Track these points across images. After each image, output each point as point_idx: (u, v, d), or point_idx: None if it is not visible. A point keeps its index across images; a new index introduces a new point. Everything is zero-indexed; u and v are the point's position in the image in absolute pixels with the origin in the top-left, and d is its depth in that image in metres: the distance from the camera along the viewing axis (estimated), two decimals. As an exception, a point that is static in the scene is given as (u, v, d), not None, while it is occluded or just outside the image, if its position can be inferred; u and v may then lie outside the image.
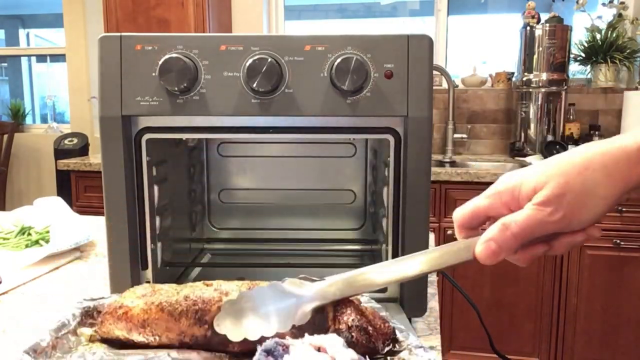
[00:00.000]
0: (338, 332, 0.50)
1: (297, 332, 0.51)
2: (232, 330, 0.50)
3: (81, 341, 0.58)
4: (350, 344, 0.49)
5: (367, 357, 0.47)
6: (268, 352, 0.46)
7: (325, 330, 0.51)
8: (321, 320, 0.51)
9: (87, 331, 0.59)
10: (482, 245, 0.45)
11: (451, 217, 0.50)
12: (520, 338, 2.28)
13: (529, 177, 0.45)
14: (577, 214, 0.44)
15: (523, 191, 0.45)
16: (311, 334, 0.49)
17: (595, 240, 2.14)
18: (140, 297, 0.56)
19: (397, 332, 0.54)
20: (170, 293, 0.56)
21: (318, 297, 0.50)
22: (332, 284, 0.51)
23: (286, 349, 0.46)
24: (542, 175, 0.44)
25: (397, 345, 0.53)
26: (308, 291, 0.51)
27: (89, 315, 0.61)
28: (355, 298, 0.55)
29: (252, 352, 0.47)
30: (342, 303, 0.52)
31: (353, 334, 0.50)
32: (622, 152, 0.43)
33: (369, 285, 0.52)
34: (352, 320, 0.51)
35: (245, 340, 0.50)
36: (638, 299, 2.16)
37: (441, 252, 0.49)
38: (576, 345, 2.23)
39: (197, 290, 0.55)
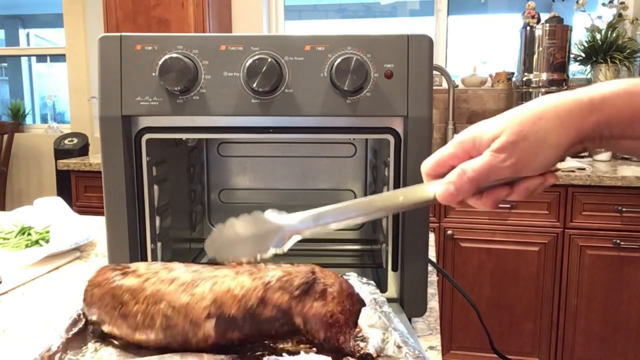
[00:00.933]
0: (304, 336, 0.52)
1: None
2: (220, 252, 0.55)
3: (91, 340, 0.57)
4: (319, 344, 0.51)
5: None
6: None
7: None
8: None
9: None
10: (441, 187, 0.50)
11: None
12: (520, 338, 2.28)
13: (488, 127, 0.48)
14: (529, 160, 0.47)
15: (483, 140, 0.48)
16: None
17: (595, 240, 2.14)
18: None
19: (396, 335, 0.55)
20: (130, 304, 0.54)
21: (295, 227, 0.56)
22: (307, 216, 0.56)
23: None
24: (500, 125, 0.47)
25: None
26: (286, 220, 0.56)
27: None
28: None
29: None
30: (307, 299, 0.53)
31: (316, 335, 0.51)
32: (575, 103, 0.46)
33: (341, 216, 0.56)
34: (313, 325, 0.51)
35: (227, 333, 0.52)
36: (638, 299, 2.16)
37: (407, 191, 0.54)
38: (576, 345, 2.23)
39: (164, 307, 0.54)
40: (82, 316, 0.58)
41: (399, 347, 0.53)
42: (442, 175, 0.51)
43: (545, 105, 0.47)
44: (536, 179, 0.49)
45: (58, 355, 0.52)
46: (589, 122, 0.46)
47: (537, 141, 0.46)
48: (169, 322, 0.52)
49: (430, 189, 0.51)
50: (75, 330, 0.56)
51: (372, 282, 0.68)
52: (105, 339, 0.58)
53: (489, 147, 0.47)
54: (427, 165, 0.52)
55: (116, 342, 0.57)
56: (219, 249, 0.55)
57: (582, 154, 2.57)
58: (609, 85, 0.46)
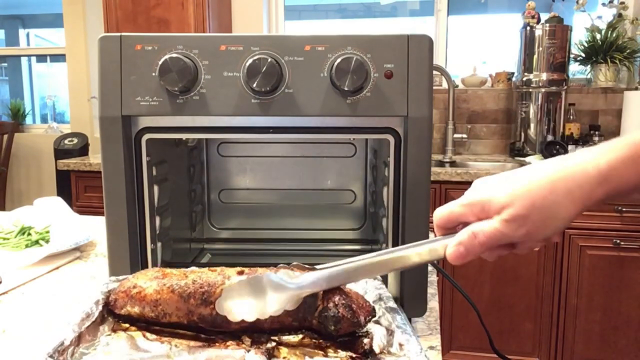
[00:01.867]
0: (326, 309, 0.57)
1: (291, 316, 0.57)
2: (231, 312, 0.57)
3: (105, 330, 0.60)
4: (336, 319, 0.56)
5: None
6: None
7: (315, 309, 0.58)
8: (312, 300, 0.58)
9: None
10: (452, 248, 0.52)
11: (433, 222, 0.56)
12: (520, 338, 2.28)
13: (499, 194, 0.50)
14: (539, 231, 0.49)
15: (492, 207, 0.50)
16: (303, 314, 0.57)
17: (595, 241, 2.14)
18: (153, 279, 0.61)
19: (398, 332, 0.56)
20: (179, 277, 0.61)
21: (309, 287, 0.57)
22: (321, 277, 0.58)
23: None
24: (511, 194, 0.49)
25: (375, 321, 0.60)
26: (300, 281, 0.57)
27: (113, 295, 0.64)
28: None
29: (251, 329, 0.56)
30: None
31: (339, 309, 0.57)
32: (583, 176, 0.48)
33: (356, 276, 0.59)
34: (338, 299, 0.58)
35: (242, 321, 0.57)
36: (638, 299, 2.16)
37: (424, 249, 0.55)
38: (576, 345, 2.23)
39: (203, 275, 0.61)
40: (96, 309, 0.60)
41: (401, 345, 0.54)
42: (451, 229, 0.54)
43: (554, 177, 0.48)
44: (540, 242, 0.52)
45: (71, 349, 0.53)
46: (598, 194, 0.48)
47: (548, 216, 0.48)
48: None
49: (441, 248, 0.54)
50: (87, 324, 0.57)
51: (378, 276, 0.70)
52: (116, 331, 0.60)
53: (499, 214, 0.49)
54: (438, 217, 0.54)
55: (130, 333, 0.60)
56: (230, 310, 0.57)
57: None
58: (614, 152, 0.48)
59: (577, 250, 2.17)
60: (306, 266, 0.60)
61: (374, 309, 0.61)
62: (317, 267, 0.59)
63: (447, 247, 0.52)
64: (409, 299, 0.72)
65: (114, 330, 0.60)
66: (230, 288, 0.58)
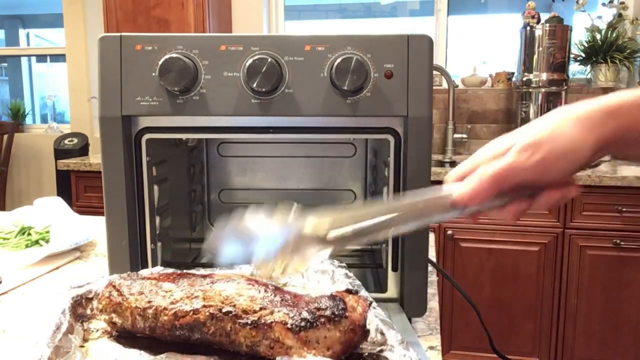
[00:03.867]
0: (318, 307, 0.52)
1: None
2: (220, 253, 0.53)
3: (77, 343, 0.57)
4: (334, 314, 0.51)
5: None
6: None
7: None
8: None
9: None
10: (461, 189, 0.49)
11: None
12: (520, 338, 2.28)
13: (509, 137, 0.49)
14: (553, 162, 0.47)
15: (503, 146, 0.49)
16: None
17: (595, 240, 2.14)
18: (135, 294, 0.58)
19: (379, 325, 0.56)
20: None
21: (337, 242, 0.52)
22: (346, 231, 0.52)
23: None
24: (520, 131, 0.49)
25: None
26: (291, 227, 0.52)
27: (79, 305, 0.62)
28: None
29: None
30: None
31: (332, 303, 0.52)
32: (593, 109, 0.47)
33: (379, 231, 0.53)
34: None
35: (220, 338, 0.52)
36: (638, 299, 2.16)
37: (425, 202, 0.51)
38: (576, 345, 2.23)
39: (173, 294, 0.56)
40: (64, 319, 0.58)
41: (382, 332, 0.54)
42: None
43: (563, 112, 0.48)
44: (558, 190, 0.49)
45: None
46: (609, 127, 0.46)
47: (562, 142, 0.46)
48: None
49: (453, 190, 0.50)
50: (59, 336, 0.55)
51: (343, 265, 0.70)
52: (88, 340, 0.59)
53: (510, 149, 0.48)
54: (453, 175, 0.52)
55: (103, 341, 0.58)
56: (223, 251, 0.53)
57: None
58: (623, 94, 0.47)
59: (577, 250, 2.17)
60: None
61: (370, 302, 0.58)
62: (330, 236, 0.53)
63: (456, 189, 0.49)
64: (409, 299, 0.72)
65: (85, 340, 0.59)
66: (216, 231, 0.54)
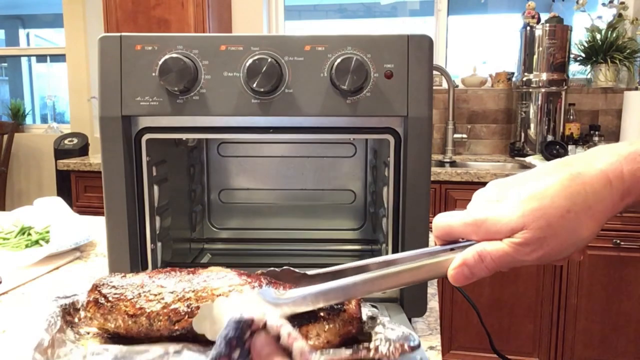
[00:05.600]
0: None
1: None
2: (207, 331, 0.51)
3: (71, 339, 0.57)
4: (331, 308, 0.51)
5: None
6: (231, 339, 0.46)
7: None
8: None
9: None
10: (455, 270, 0.46)
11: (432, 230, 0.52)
12: (520, 338, 2.28)
13: (507, 213, 0.43)
14: (556, 253, 0.43)
15: (500, 229, 0.44)
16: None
17: (595, 241, 2.14)
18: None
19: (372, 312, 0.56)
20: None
21: (294, 305, 0.50)
22: (307, 295, 0.50)
23: (250, 323, 0.45)
24: (522, 214, 0.43)
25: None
26: (285, 298, 0.50)
27: (67, 313, 0.60)
28: None
29: None
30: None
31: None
32: (605, 186, 0.42)
33: (339, 298, 0.51)
34: None
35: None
36: (638, 299, 2.16)
37: (418, 266, 0.49)
38: (576, 345, 2.23)
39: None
40: (57, 319, 0.57)
41: (372, 318, 0.55)
42: (451, 242, 0.49)
43: (571, 190, 0.42)
44: (561, 260, 0.46)
45: (50, 350, 0.52)
46: (619, 208, 0.43)
47: (568, 236, 0.42)
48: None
49: (445, 265, 0.47)
50: (54, 330, 0.55)
51: None
52: (80, 340, 0.58)
53: (510, 237, 0.43)
54: (438, 229, 0.49)
55: (97, 339, 0.58)
56: (208, 327, 0.50)
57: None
58: (635, 155, 0.42)
59: (577, 250, 2.17)
60: (296, 271, 0.54)
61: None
62: (309, 272, 0.53)
63: (450, 266, 0.46)
64: (409, 299, 0.72)
65: (78, 341, 0.58)
66: (206, 306, 0.52)
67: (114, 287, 0.57)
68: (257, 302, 0.49)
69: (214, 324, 0.50)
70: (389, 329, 0.53)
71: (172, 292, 0.55)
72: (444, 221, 0.48)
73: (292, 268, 0.54)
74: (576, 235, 0.43)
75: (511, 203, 0.44)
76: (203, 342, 0.54)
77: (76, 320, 0.60)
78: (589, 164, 0.43)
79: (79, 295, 0.62)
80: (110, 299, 0.56)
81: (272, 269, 0.55)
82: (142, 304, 0.55)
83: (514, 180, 0.46)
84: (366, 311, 0.56)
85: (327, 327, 0.51)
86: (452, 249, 0.48)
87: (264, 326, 0.45)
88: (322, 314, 0.51)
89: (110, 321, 0.56)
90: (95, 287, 0.58)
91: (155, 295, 0.55)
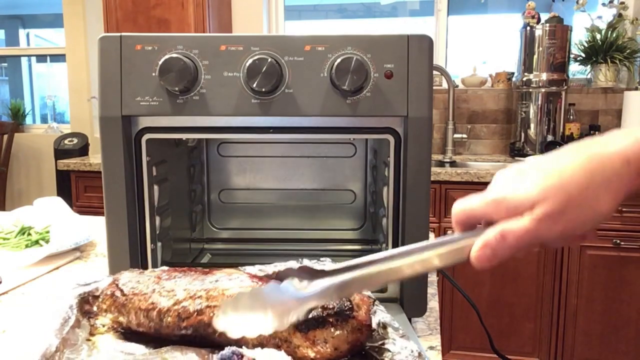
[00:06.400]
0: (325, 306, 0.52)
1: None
2: (230, 329, 0.51)
3: (84, 336, 0.58)
4: (340, 314, 0.51)
5: None
6: None
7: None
8: None
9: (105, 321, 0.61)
10: (478, 252, 0.46)
11: (451, 217, 0.50)
12: (520, 338, 2.28)
13: (528, 188, 0.44)
14: (575, 228, 0.44)
15: (522, 204, 0.44)
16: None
17: (595, 241, 2.14)
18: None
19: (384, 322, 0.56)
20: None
21: (315, 298, 0.50)
22: (330, 287, 0.50)
23: (241, 358, 0.47)
24: (543, 188, 0.43)
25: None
26: (306, 293, 0.51)
27: (86, 302, 0.62)
28: None
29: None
30: None
31: (338, 302, 0.52)
32: (622, 164, 0.43)
33: (365, 287, 0.52)
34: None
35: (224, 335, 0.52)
36: (638, 299, 2.16)
37: (440, 252, 0.49)
38: (576, 345, 2.23)
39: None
40: (72, 314, 0.58)
41: (384, 327, 0.54)
42: (472, 226, 0.48)
43: (591, 166, 0.43)
44: (577, 239, 0.47)
45: (57, 355, 0.52)
46: (637, 184, 0.43)
47: (587, 211, 0.43)
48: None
49: (465, 249, 0.47)
50: (67, 329, 0.56)
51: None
52: (94, 335, 0.59)
53: (531, 212, 0.44)
54: (458, 214, 0.48)
55: (109, 336, 0.59)
56: (228, 325, 0.51)
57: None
58: None
59: (577, 250, 2.17)
60: (315, 268, 0.53)
61: (374, 300, 0.58)
62: (326, 268, 0.53)
63: (472, 249, 0.46)
64: (409, 299, 0.72)
65: (91, 334, 0.59)
66: (227, 303, 0.53)
67: (131, 281, 0.59)
68: (280, 297, 0.50)
69: (233, 321, 0.51)
70: (397, 352, 0.51)
71: (184, 290, 0.56)
72: (463, 204, 0.48)
73: (309, 266, 0.54)
74: (594, 210, 0.43)
75: (531, 180, 0.44)
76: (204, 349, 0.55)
77: (95, 308, 0.62)
78: (606, 145, 0.44)
79: (100, 282, 0.63)
80: (126, 292, 0.58)
81: (289, 267, 0.55)
82: (155, 299, 0.56)
83: (533, 162, 0.46)
84: (379, 318, 0.55)
85: (335, 333, 0.51)
86: (471, 235, 0.48)
87: None
88: (330, 319, 0.51)
89: (123, 314, 0.58)
90: (114, 281, 0.60)
91: (169, 291, 0.57)
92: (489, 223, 0.46)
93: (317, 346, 0.50)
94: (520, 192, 0.44)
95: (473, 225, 0.48)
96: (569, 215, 0.43)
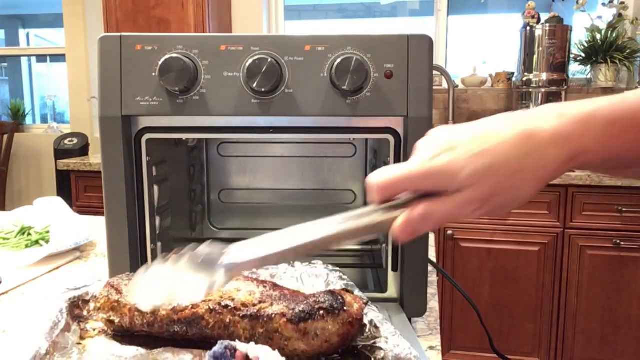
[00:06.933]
0: (317, 300, 0.52)
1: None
2: (140, 300, 0.49)
3: (74, 340, 0.58)
4: (332, 307, 0.51)
5: None
6: (217, 357, 0.47)
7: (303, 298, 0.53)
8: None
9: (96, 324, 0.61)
10: (400, 227, 0.45)
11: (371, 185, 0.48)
12: (520, 338, 2.28)
13: (459, 167, 0.42)
14: (497, 209, 0.44)
15: (451, 182, 0.43)
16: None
17: (595, 240, 2.14)
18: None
19: (375, 321, 0.56)
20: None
21: (240, 267, 0.48)
22: (257, 255, 0.49)
23: (234, 352, 0.47)
24: (471, 173, 0.42)
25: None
26: (230, 259, 0.48)
27: (76, 306, 0.62)
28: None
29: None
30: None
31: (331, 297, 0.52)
32: (554, 154, 0.42)
33: (286, 259, 0.52)
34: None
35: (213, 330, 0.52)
36: (638, 299, 2.16)
37: (371, 222, 0.47)
38: (576, 345, 2.23)
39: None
40: (62, 317, 0.58)
41: (376, 326, 0.54)
42: (393, 196, 0.46)
43: (523, 150, 0.42)
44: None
45: (48, 357, 0.52)
46: (563, 170, 0.43)
47: (512, 195, 0.43)
48: None
49: (388, 221, 0.46)
50: (57, 332, 0.56)
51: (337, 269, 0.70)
52: (85, 339, 0.59)
53: (459, 192, 0.43)
54: (380, 181, 0.46)
55: (100, 339, 0.59)
56: (140, 296, 0.49)
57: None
58: (592, 125, 0.42)
59: (577, 250, 2.17)
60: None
61: (368, 301, 0.58)
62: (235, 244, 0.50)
63: (395, 222, 0.45)
64: (409, 299, 0.72)
65: (82, 338, 0.59)
66: (139, 273, 0.51)
67: (126, 283, 0.60)
68: (194, 267, 0.47)
69: (147, 291, 0.48)
70: (389, 350, 0.51)
71: None
72: (386, 174, 0.46)
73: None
74: (519, 194, 0.43)
75: (462, 157, 0.43)
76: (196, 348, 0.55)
77: (85, 313, 0.62)
78: (540, 123, 0.43)
79: (90, 286, 0.63)
80: (121, 290, 0.59)
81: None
82: None
83: (465, 130, 0.45)
84: (372, 317, 0.56)
85: (326, 325, 0.51)
86: (390, 208, 0.47)
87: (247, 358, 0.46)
88: (321, 312, 0.51)
89: (117, 312, 0.58)
90: (109, 282, 0.61)
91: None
92: (412, 193, 0.45)
93: (308, 338, 0.51)
94: (450, 168, 0.43)
95: (393, 195, 0.47)
96: (494, 199, 0.43)
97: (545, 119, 0.43)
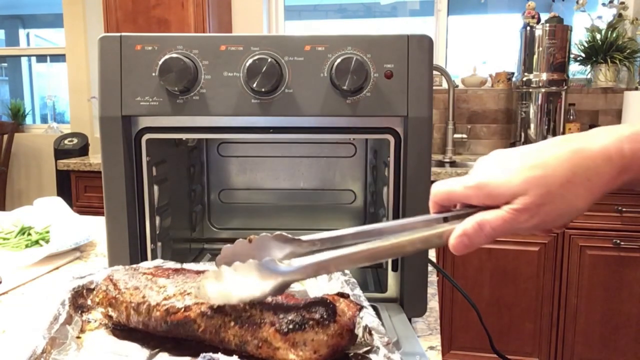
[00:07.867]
0: (308, 309, 0.52)
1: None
2: (207, 295, 0.52)
3: (73, 334, 0.58)
4: (322, 318, 0.50)
5: None
6: None
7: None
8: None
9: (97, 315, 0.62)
10: (456, 240, 0.47)
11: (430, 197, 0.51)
12: (520, 338, 2.28)
13: (510, 178, 0.45)
14: (552, 221, 0.45)
15: (502, 193, 0.45)
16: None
17: (595, 241, 2.14)
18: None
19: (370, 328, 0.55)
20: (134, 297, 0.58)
21: (298, 273, 0.50)
22: (307, 265, 0.50)
23: None
24: (524, 180, 0.44)
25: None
26: (285, 268, 0.50)
27: (80, 295, 0.63)
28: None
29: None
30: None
31: (322, 306, 0.52)
32: (604, 161, 0.43)
33: (344, 267, 0.53)
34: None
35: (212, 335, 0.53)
36: (638, 299, 2.16)
37: (418, 237, 0.49)
38: (576, 345, 2.23)
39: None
40: (63, 310, 0.59)
41: (370, 332, 0.54)
42: (448, 208, 0.50)
43: (573, 162, 0.44)
44: (549, 231, 0.49)
45: (44, 356, 0.52)
46: (616, 183, 0.44)
47: (565, 206, 0.44)
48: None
49: (444, 235, 0.48)
50: (56, 327, 0.56)
51: None
52: (85, 332, 0.60)
53: (510, 203, 0.45)
54: (437, 195, 0.49)
55: (100, 333, 0.60)
56: (206, 292, 0.52)
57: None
58: (637, 135, 0.44)
59: (577, 250, 2.17)
60: (288, 236, 0.53)
61: (362, 306, 0.58)
62: (303, 238, 0.53)
63: (451, 236, 0.47)
64: (409, 299, 0.72)
65: (82, 331, 0.60)
66: (211, 272, 0.53)
67: (124, 277, 0.60)
68: (260, 272, 0.50)
69: (220, 287, 0.51)
70: (382, 356, 0.51)
71: (176, 287, 0.57)
72: (445, 186, 0.49)
73: (284, 233, 0.54)
74: (572, 205, 0.44)
75: (514, 170, 0.45)
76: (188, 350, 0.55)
77: (88, 302, 0.62)
78: (590, 141, 0.44)
79: (95, 274, 0.64)
80: (119, 286, 0.59)
81: (264, 234, 0.55)
82: (147, 293, 0.57)
83: (517, 151, 0.47)
84: (366, 322, 0.55)
85: (315, 336, 0.50)
86: (445, 219, 0.49)
87: None
88: (311, 322, 0.50)
89: (115, 308, 0.58)
90: (109, 277, 0.61)
91: (160, 287, 0.57)
92: (468, 206, 0.48)
93: (297, 349, 0.50)
94: (502, 180, 0.45)
95: (449, 207, 0.50)
96: (546, 209, 0.44)
97: (597, 135, 0.45)
